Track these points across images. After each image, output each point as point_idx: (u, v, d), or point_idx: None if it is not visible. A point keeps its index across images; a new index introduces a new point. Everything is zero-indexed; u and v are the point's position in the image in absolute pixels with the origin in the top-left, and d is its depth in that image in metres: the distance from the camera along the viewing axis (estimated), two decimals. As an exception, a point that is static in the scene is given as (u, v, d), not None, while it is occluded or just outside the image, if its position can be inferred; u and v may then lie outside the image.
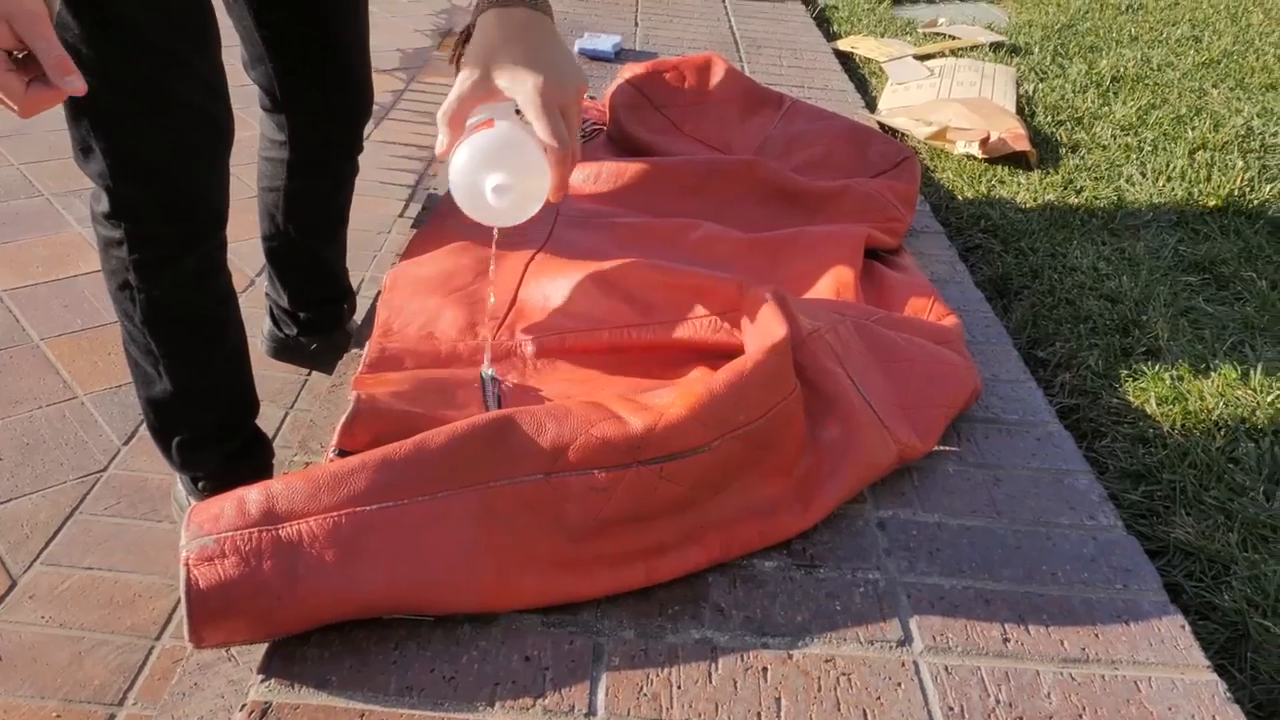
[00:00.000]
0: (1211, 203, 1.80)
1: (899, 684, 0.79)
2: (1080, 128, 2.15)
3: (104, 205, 1.08)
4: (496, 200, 0.87)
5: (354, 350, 1.26)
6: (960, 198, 1.84)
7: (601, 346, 1.05)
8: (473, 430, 0.79)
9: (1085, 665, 0.82)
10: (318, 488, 0.74)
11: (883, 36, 2.79)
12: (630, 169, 1.47)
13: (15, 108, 0.76)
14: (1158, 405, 1.25)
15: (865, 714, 0.76)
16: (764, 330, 0.93)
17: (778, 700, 0.76)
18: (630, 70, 1.65)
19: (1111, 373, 1.33)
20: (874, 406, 0.98)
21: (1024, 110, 2.24)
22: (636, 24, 2.63)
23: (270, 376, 1.70)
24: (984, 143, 1.95)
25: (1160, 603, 0.90)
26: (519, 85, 0.87)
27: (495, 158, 0.87)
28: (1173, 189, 1.85)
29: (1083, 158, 2.00)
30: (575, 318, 1.09)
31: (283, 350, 1.66)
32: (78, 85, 0.76)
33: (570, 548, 0.80)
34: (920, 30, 2.86)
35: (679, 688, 0.76)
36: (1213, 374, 1.31)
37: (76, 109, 1.00)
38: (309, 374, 1.76)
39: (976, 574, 0.91)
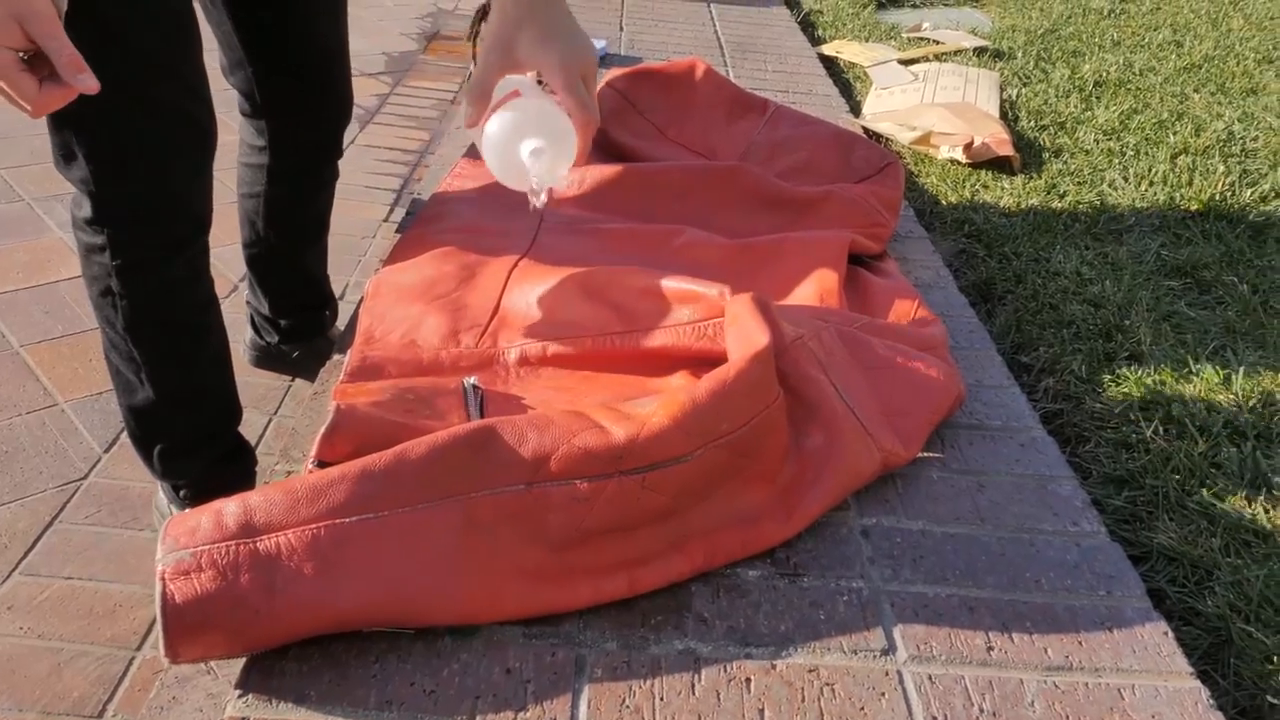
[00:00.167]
0: (1193, 207, 1.81)
1: (883, 694, 0.79)
2: (1063, 132, 2.16)
3: (86, 211, 1.07)
4: (533, 164, 0.93)
5: (336, 357, 1.25)
6: (944, 202, 1.85)
7: (585, 354, 1.05)
8: (454, 440, 0.79)
9: (1069, 673, 0.82)
10: (296, 500, 0.74)
11: (867, 41, 2.79)
12: (615, 174, 1.47)
13: (29, 108, 0.78)
14: (1140, 410, 1.26)
15: (849, 724, 0.76)
16: (746, 338, 0.93)
17: (761, 712, 0.76)
18: (614, 75, 1.64)
19: (1094, 377, 1.33)
20: (857, 414, 0.98)
21: (1007, 115, 2.24)
22: (621, 29, 2.63)
23: (253, 383, 1.69)
24: (968, 148, 1.96)
25: (1143, 609, 0.90)
26: (543, 57, 0.93)
27: (526, 125, 0.93)
28: (1155, 193, 1.86)
29: (1065, 162, 2.01)
30: (559, 325, 1.08)
31: (265, 359, 1.65)
32: (91, 83, 0.78)
33: (552, 558, 0.80)
34: (904, 35, 2.87)
35: (662, 699, 0.76)
36: (1195, 378, 1.31)
37: (59, 114, 1.00)
38: (292, 380, 1.75)
39: (960, 581, 0.91)
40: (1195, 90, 2.42)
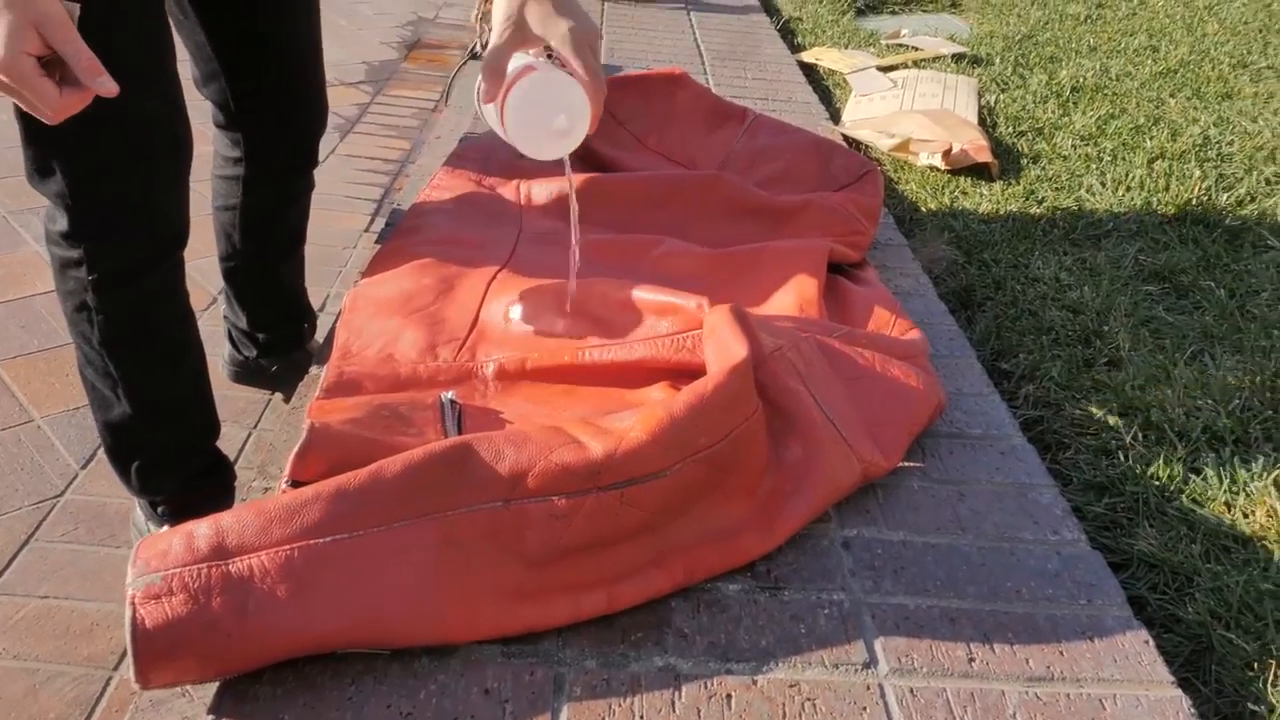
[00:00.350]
0: (1170, 212, 1.82)
1: (864, 708, 0.78)
2: (1041, 138, 2.17)
3: (61, 225, 1.06)
4: (554, 130, 1.02)
5: (315, 370, 1.24)
6: (924, 209, 1.85)
7: (564, 367, 1.04)
8: (430, 458, 0.78)
9: (1050, 684, 0.82)
10: (269, 520, 0.73)
11: (846, 48, 2.80)
12: (594, 184, 1.47)
13: (50, 113, 0.79)
14: (1120, 416, 1.26)
15: (830, 739, 0.76)
16: (725, 350, 0.93)
17: (742, 728, 0.76)
18: (593, 85, 1.64)
19: (1074, 384, 1.34)
20: (837, 425, 0.97)
21: (986, 121, 2.25)
22: (602, 37, 2.63)
23: (233, 396, 1.68)
24: (946, 154, 1.96)
25: (1124, 618, 0.90)
26: (554, 30, 0.99)
27: (545, 95, 1.01)
28: (1132, 198, 1.87)
29: (1044, 168, 2.02)
30: (537, 339, 1.08)
31: (244, 373, 1.64)
32: (110, 86, 0.79)
33: (530, 576, 0.79)
34: (883, 41, 2.88)
35: (641, 717, 0.75)
36: (1174, 384, 1.32)
37: (33, 127, 0.98)
38: (272, 393, 1.74)
39: (941, 592, 0.91)
40: (1171, 95, 2.44)
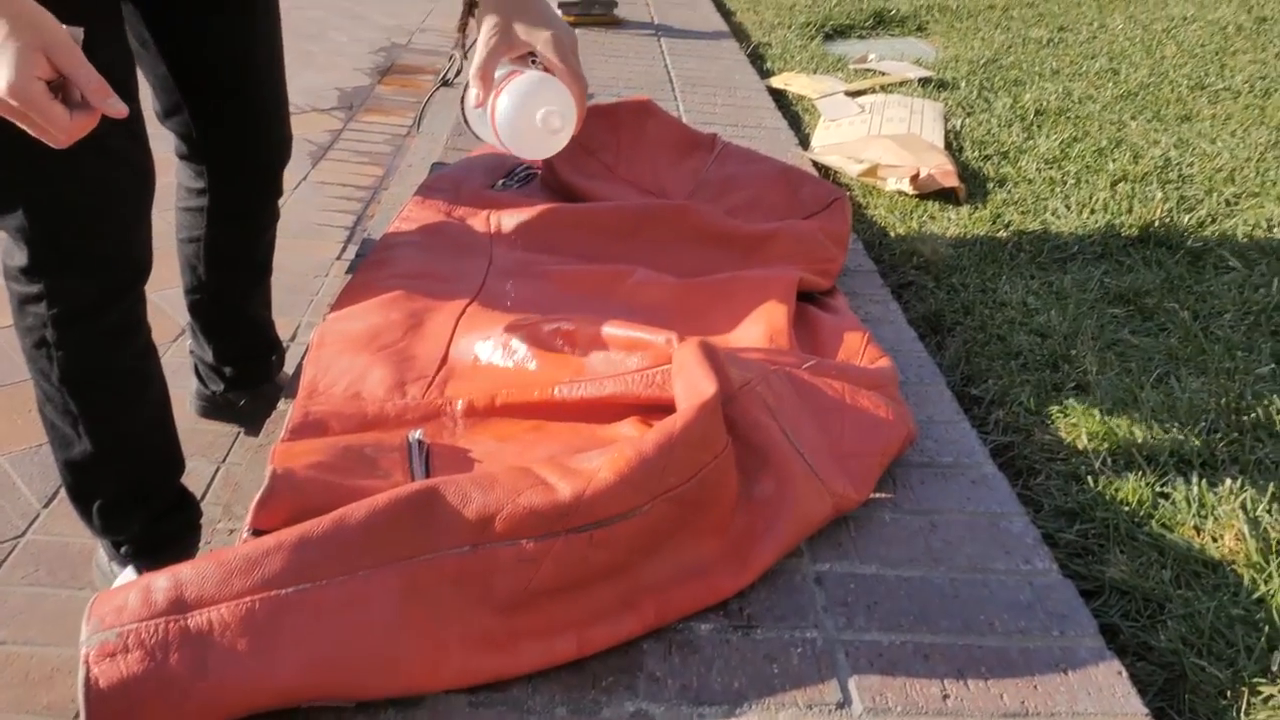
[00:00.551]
0: (1133, 234, 1.84)
1: (838, 749, 0.78)
2: (1006, 162, 2.19)
3: (20, 259, 1.04)
4: (546, 127, 1.07)
5: (283, 405, 1.22)
6: (893, 234, 1.86)
7: (533, 404, 1.04)
8: (395, 503, 0.77)
9: (1025, 719, 0.82)
10: (230, 572, 0.71)
11: (815, 73, 2.82)
12: (564, 214, 1.47)
13: (62, 136, 0.81)
14: (1089, 441, 1.27)
15: (805, 782, 0.75)
16: (694, 387, 0.92)
17: (715, 773, 0.75)
18: (561, 115, 1.64)
19: (1043, 409, 1.34)
20: (808, 459, 0.97)
21: (952, 145, 2.27)
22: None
23: (200, 429, 1.65)
24: (914, 179, 1.98)
25: (1097, 649, 0.90)
26: (538, 36, 1.08)
27: (536, 94, 1.07)
28: (1096, 221, 1.89)
29: (1009, 191, 2.04)
30: (506, 375, 1.07)
31: (211, 408, 1.62)
32: (120, 107, 0.81)
33: (499, 622, 0.78)
34: (851, 66, 2.91)
35: (614, 765, 0.74)
36: (1141, 407, 1.33)
37: None
38: (240, 429, 1.71)
39: (915, 627, 0.90)
40: (1132, 118, 2.48)
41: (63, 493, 1.54)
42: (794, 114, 2.54)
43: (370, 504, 0.76)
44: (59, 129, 0.80)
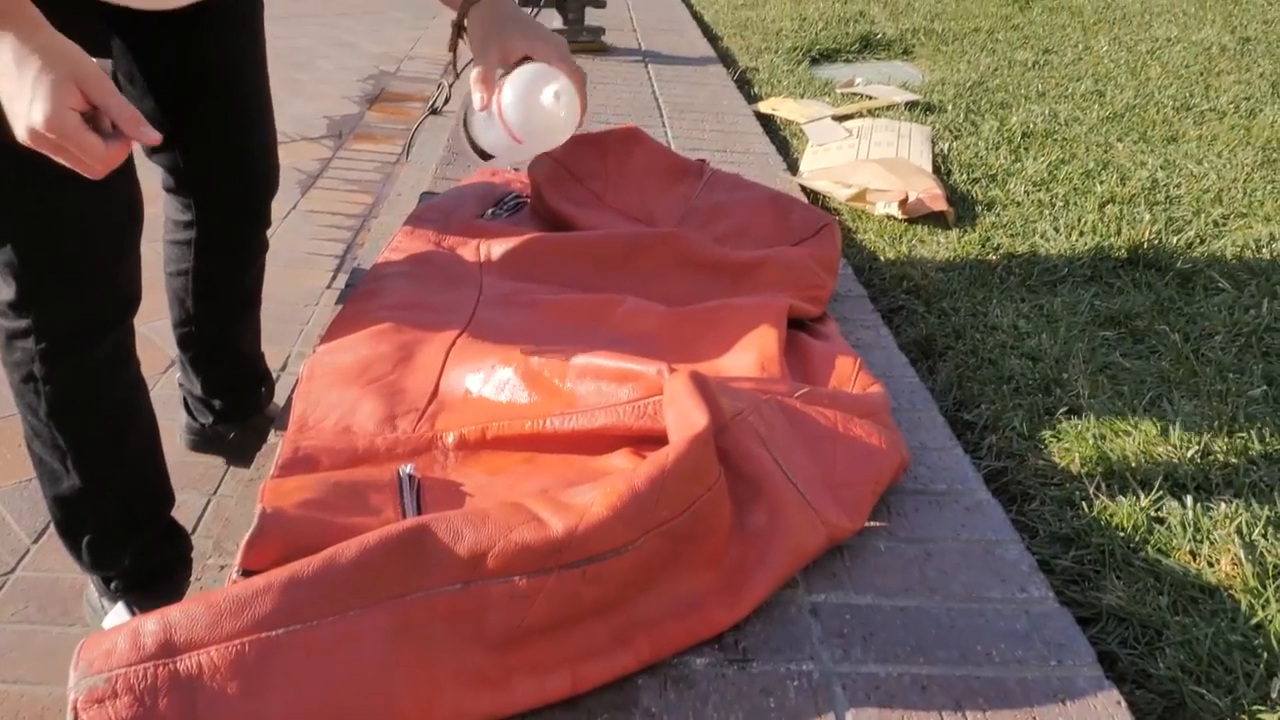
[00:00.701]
0: (1123, 256, 1.85)
1: (837, 785, 0.77)
2: (994, 184, 2.20)
3: (8, 294, 1.03)
4: (555, 106, 1.09)
5: (275, 436, 1.21)
6: (882, 259, 1.87)
7: (524, 436, 1.03)
8: (385, 542, 0.76)
9: (1023, 752, 0.81)
10: (219, 614, 0.70)
11: (802, 98, 2.84)
12: (553, 243, 1.47)
13: (98, 166, 0.82)
14: (1082, 466, 1.27)
15: (803, 820, 0.74)
16: (685, 419, 0.92)
17: (713, 812, 0.74)
18: (550, 143, 1.64)
19: (1036, 433, 1.34)
20: (801, 489, 0.97)
21: (940, 169, 2.29)
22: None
23: (190, 461, 1.64)
24: (903, 203, 1.99)
25: (1095, 678, 0.90)
26: (532, 40, 1.13)
27: (540, 78, 1.10)
28: (1085, 243, 1.90)
29: (998, 215, 2.04)
30: (497, 408, 1.06)
31: (201, 442, 1.61)
32: (153, 135, 0.82)
33: (491, 660, 0.77)
34: (838, 90, 2.92)
35: (609, 805, 0.73)
36: (1134, 431, 1.33)
37: None
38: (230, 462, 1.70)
39: (911, 658, 0.90)
40: (1119, 139, 2.49)
41: (52, 528, 1.54)
42: (782, 139, 2.55)
43: (361, 542, 0.76)
44: (95, 159, 0.81)
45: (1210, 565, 1.11)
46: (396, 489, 0.92)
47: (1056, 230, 1.96)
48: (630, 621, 0.83)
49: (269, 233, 1.48)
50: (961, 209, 2.07)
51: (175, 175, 1.32)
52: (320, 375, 1.15)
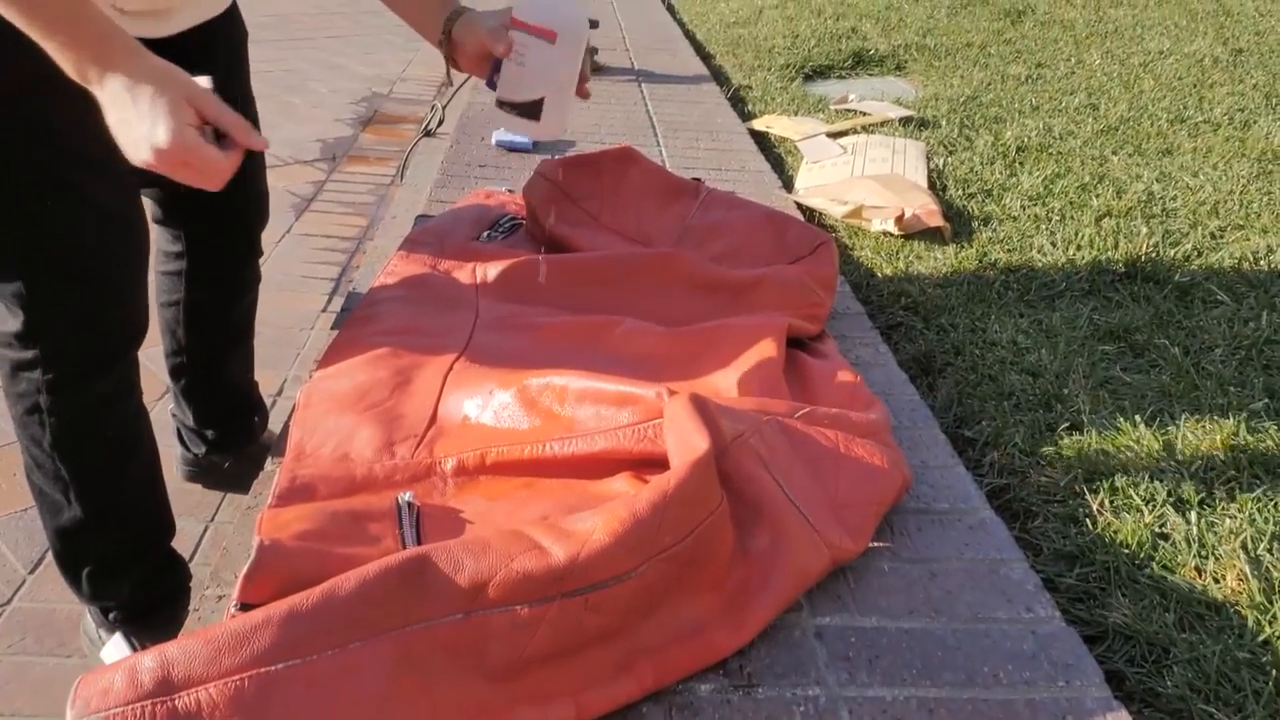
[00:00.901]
0: (1120, 269, 1.85)
1: (845, 814, 0.76)
2: (990, 199, 2.20)
3: (13, 325, 1.03)
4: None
5: (272, 464, 1.20)
6: (880, 275, 1.87)
7: (524, 461, 1.02)
8: (385, 573, 0.75)
9: (1033, 776, 0.80)
10: (218, 649, 0.69)
11: (796, 115, 2.85)
12: (550, 264, 1.46)
13: (216, 179, 0.86)
14: (1085, 482, 1.26)
15: None
16: (686, 442, 0.91)
17: (720, 843, 0.73)
18: (546, 164, 1.64)
19: (1038, 450, 1.34)
20: (803, 510, 0.96)
21: (935, 184, 2.29)
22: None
23: (188, 488, 1.63)
24: (899, 220, 1.99)
25: (1104, 699, 0.89)
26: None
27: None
28: (1082, 257, 1.90)
29: (995, 230, 2.05)
30: (496, 434, 1.06)
31: (198, 473, 1.60)
32: (264, 142, 0.87)
33: (493, 690, 0.76)
34: (832, 107, 2.93)
35: (615, 838, 0.72)
36: (1136, 446, 1.32)
37: None
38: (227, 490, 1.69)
39: (918, 681, 0.89)
40: (1113, 152, 2.50)
41: (49, 558, 1.52)
42: (776, 156, 2.56)
43: (360, 574, 0.75)
44: (214, 170, 0.85)
45: (1216, 581, 1.11)
46: (395, 517, 0.91)
47: (1053, 244, 1.96)
48: (633, 648, 0.82)
49: (261, 261, 1.47)
50: (958, 224, 2.07)
51: (163, 207, 1.31)
52: (317, 402, 1.15)
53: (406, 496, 0.95)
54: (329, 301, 2.34)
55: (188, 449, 1.57)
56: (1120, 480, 1.25)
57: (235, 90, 1.27)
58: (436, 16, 1.20)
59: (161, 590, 1.29)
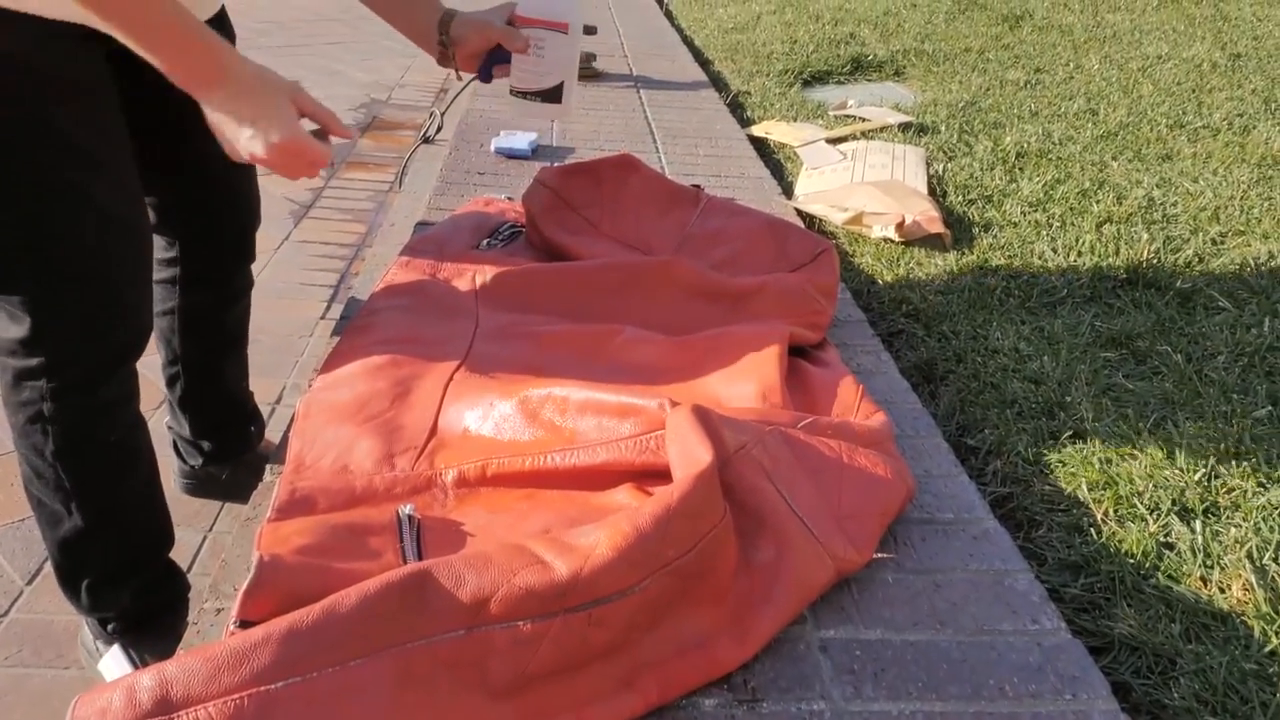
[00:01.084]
0: (1121, 275, 1.84)
1: (852, 831, 0.75)
2: (991, 205, 2.20)
3: (17, 332, 1.02)
4: None
5: (271, 474, 1.19)
6: (881, 282, 1.86)
7: (526, 473, 1.02)
8: (386, 589, 0.74)
9: (1041, 791, 0.79)
10: (218, 668, 0.69)
11: (795, 120, 2.85)
12: (549, 273, 1.46)
13: (318, 169, 0.95)
14: (1089, 491, 1.25)
15: None
16: (688, 455, 0.91)
17: None
18: (545, 172, 1.64)
19: (1041, 458, 1.33)
20: (807, 522, 0.95)
21: (935, 190, 2.28)
22: (552, 120, 2.65)
23: (186, 498, 1.62)
24: (900, 226, 1.98)
25: (1110, 711, 0.88)
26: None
27: None
28: (1083, 263, 1.89)
29: (995, 236, 2.04)
30: (498, 445, 1.05)
31: (196, 486, 1.59)
32: (350, 132, 0.95)
33: (495, 707, 0.75)
34: (831, 113, 2.93)
35: None
36: (1140, 454, 1.31)
37: None
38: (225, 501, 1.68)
39: (924, 695, 0.88)
40: (1113, 158, 2.50)
41: (46, 569, 1.51)
42: (776, 162, 2.55)
43: (361, 590, 0.74)
44: (319, 159, 0.94)
45: (1221, 591, 1.10)
46: (396, 531, 0.90)
47: (1054, 251, 1.96)
48: (637, 663, 0.81)
49: (260, 268, 1.46)
50: (958, 231, 2.06)
51: (156, 213, 1.31)
52: (316, 413, 1.14)
53: (407, 509, 0.94)
54: (328, 308, 2.34)
55: (184, 461, 1.57)
56: (1124, 488, 1.25)
57: None
58: (427, 20, 1.22)
59: (160, 601, 1.29)
